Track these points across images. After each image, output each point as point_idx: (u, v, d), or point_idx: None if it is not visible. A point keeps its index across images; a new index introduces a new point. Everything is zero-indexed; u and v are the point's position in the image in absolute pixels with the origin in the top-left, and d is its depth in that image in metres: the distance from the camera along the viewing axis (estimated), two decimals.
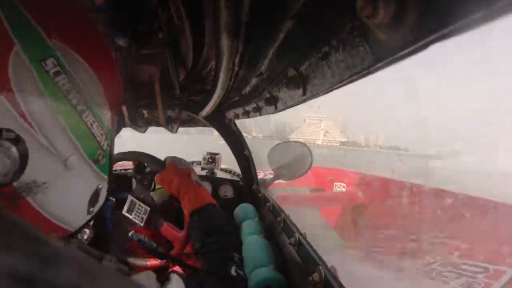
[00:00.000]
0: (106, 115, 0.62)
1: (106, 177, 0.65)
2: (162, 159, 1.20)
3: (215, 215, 0.97)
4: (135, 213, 1.22)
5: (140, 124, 1.45)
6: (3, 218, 0.12)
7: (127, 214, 1.22)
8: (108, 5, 0.58)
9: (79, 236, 0.90)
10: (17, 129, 0.41)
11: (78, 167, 0.54)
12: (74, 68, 0.50)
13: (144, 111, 1.32)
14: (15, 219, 0.12)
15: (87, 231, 0.98)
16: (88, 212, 0.61)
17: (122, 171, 1.77)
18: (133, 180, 1.66)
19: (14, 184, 0.42)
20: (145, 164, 1.36)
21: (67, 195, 0.54)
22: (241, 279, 0.77)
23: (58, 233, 0.55)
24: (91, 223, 0.86)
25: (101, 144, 0.60)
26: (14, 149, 0.41)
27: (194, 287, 0.65)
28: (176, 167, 1.13)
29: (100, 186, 0.63)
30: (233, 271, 0.77)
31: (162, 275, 0.64)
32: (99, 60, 0.58)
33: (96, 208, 0.64)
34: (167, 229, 1.27)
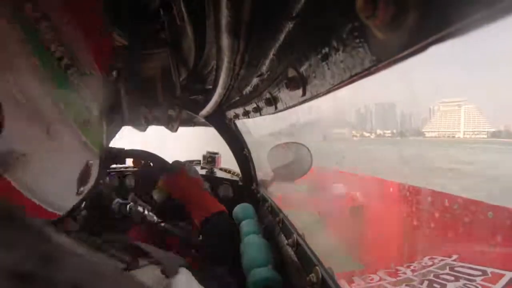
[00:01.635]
0: (94, 79, 0.53)
1: (96, 151, 0.56)
2: (170, 163, 1.20)
3: (227, 223, 1.00)
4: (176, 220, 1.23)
5: (141, 123, 1.45)
6: (5, 214, 0.12)
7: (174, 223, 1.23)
8: (112, 5, 0.58)
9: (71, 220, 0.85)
10: None
11: (64, 136, 0.45)
12: (62, 27, 0.43)
13: (145, 110, 1.32)
14: (17, 215, 0.12)
15: (82, 212, 0.92)
16: (78, 193, 0.52)
17: (122, 169, 1.77)
18: (136, 179, 1.67)
19: None
20: (152, 164, 1.36)
21: (52, 171, 0.44)
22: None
23: (43, 217, 0.45)
24: (83, 203, 0.79)
25: (90, 109, 0.52)
26: None
27: (205, 277, 0.64)
28: (187, 174, 1.13)
29: (90, 162, 0.53)
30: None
31: (167, 269, 0.63)
32: (87, 20, 0.50)
33: (86, 188, 0.55)
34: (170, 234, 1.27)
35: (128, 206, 1.05)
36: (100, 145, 0.57)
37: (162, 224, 1.08)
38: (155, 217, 1.09)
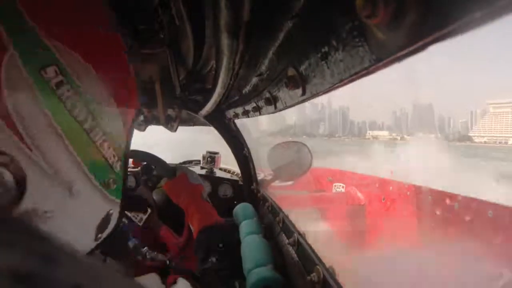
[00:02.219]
0: (119, 131, 0.54)
1: (118, 201, 0.58)
2: (173, 166, 1.21)
3: (222, 235, 1.00)
4: (136, 212, 1.23)
5: (140, 122, 1.46)
6: (4, 216, 0.12)
7: (127, 212, 1.22)
8: (109, 6, 0.58)
9: None
10: (12, 151, 0.35)
11: (86, 194, 0.48)
12: (81, 77, 0.43)
13: (144, 110, 1.32)
14: (16, 217, 0.12)
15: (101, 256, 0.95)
16: (96, 239, 0.55)
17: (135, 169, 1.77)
18: (137, 179, 1.68)
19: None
20: (154, 167, 1.37)
21: (73, 223, 0.47)
22: None
23: None
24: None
25: (113, 166, 0.53)
26: (8, 174, 0.35)
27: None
28: (187, 180, 1.13)
29: (111, 211, 0.56)
30: (236, 286, 0.78)
31: (166, 278, 0.64)
32: (110, 66, 0.51)
33: (104, 235, 0.57)
34: (165, 233, 1.27)
35: (144, 249, 1.06)
36: (121, 194, 0.59)
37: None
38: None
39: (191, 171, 1.21)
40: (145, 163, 1.47)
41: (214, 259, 0.90)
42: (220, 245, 0.94)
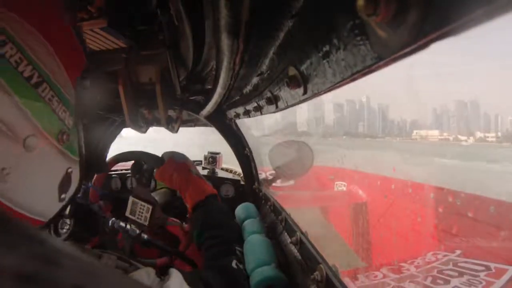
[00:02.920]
0: (67, 87, 0.55)
1: (76, 158, 0.58)
2: (159, 156, 1.21)
3: (215, 209, 0.99)
4: (138, 213, 1.22)
5: (141, 124, 1.46)
6: (4, 218, 0.12)
7: (130, 216, 1.22)
8: (109, 7, 0.58)
9: (59, 226, 0.87)
10: None
11: (40, 148, 0.48)
12: (23, 38, 0.44)
13: (144, 111, 1.32)
14: (15, 219, 0.12)
15: (67, 220, 0.94)
16: (60, 199, 0.55)
17: (123, 171, 1.77)
18: (132, 180, 1.67)
19: None
20: (143, 162, 1.37)
21: (32, 181, 0.48)
22: (242, 272, 0.78)
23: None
24: (68, 211, 0.81)
25: (65, 121, 0.54)
26: None
27: (196, 280, 0.65)
28: (174, 161, 1.14)
29: (70, 170, 0.56)
30: (233, 264, 0.78)
31: (162, 271, 0.64)
32: (53, 30, 0.51)
33: (68, 195, 0.58)
34: (171, 226, 1.28)
35: (110, 222, 1.05)
36: (78, 153, 0.59)
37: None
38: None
39: (177, 153, 1.21)
40: (132, 162, 1.47)
41: (210, 234, 0.90)
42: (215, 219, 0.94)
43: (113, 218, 1.08)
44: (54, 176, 0.54)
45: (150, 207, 1.23)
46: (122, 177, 1.74)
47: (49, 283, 0.11)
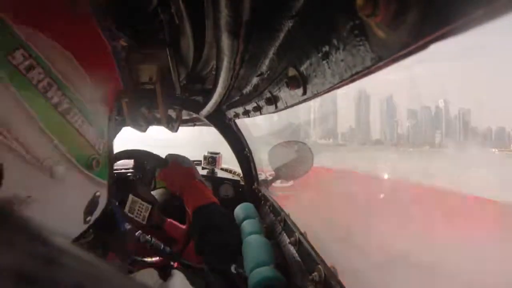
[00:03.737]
0: (100, 113, 0.54)
1: (104, 182, 0.58)
2: (163, 157, 1.21)
3: (217, 214, 0.99)
4: (137, 211, 1.22)
5: (141, 123, 1.46)
6: (6, 217, 0.12)
7: (129, 214, 1.22)
8: (109, 5, 0.57)
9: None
10: None
11: (68, 176, 0.47)
12: (53, 59, 0.42)
13: (144, 111, 1.32)
14: (17, 218, 0.12)
15: (89, 234, 0.95)
16: (85, 222, 0.55)
17: (123, 170, 1.77)
18: (133, 179, 1.67)
19: None
20: (146, 162, 1.37)
21: (58, 207, 0.47)
22: (241, 276, 0.78)
23: None
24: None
25: (95, 147, 0.53)
26: None
27: (198, 283, 0.65)
28: (179, 164, 1.14)
29: (97, 194, 0.56)
30: (232, 269, 0.77)
31: (164, 272, 0.64)
32: (85, 48, 0.50)
33: (93, 217, 0.57)
34: (170, 225, 1.28)
35: (136, 234, 1.06)
36: (108, 176, 0.58)
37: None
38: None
39: (182, 156, 1.21)
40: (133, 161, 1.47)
41: (210, 238, 0.90)
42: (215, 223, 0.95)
43: (140, 231, 1.07)
44: (81, 201, 0.53)
45: (150, 206, 1.23)
46: (125, 176, 1.74)
47: (50, 283, 0.11)
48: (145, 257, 1.09)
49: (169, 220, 1.29)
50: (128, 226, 1.07)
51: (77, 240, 0.56)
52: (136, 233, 1.06)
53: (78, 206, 0.52)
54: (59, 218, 0.48)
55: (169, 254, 1.07)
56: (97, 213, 0.58)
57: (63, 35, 0.44)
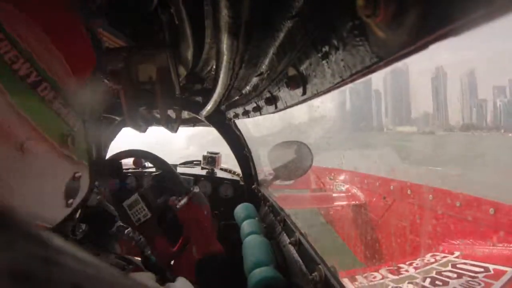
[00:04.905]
0: (73, 86, 0.50)
1: (84, 163, 0.55)
2: (186, 186, 1.20)
3: (220, 266, 1.06)
4: (135, 211, 1.22)
5: (140, 124, 1.46)
6: (3, 217, 0.12)
7: (126, 208, 1.22)
8: (110, 6, 0.57)
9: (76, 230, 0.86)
10: None
11: (40, 152, 0.45)
12: (20, 31, 0.40)
13: (144, 111, 1.32)
14: (15, 218, 0.12)
15: (82, 226, 0.93)
16: (67, 205, 0.52)
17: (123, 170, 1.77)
18: (146, 180, 1.68)
19: None
20: (170, 180, 1.34)
21: (32, 186, 0.44)
22: None
23: None
24: (77, 215, 0.79)
25: (69, 123, 0.50)
26: None
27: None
28: (203, 209, 1.17)
29: (77, 175, 0.53)
30: None
31: (162, 278, 0.64)
32: (54, 21, 0.47)
33: (77, 200, 0.54)
34: (159, 242, 1.25)
35: (126, 231, 1.06)
36: (88, 157, 0.56)
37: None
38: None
39: (199, 192, 1.21)
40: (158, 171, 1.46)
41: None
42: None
43: (129, 229, 1.07)
44: (58, 181, 0.50)
45: (149, 215, 1.22)
46: (139, 177, 1.74)
47: (47, 282, 0.10)
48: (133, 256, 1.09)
49: (159, 236, 1.27)
50: (118, 222, 1.06)
51: (62, 224, 0.53)
52: (126, 230, 1.05)
53: (56, 186, 0.50)
54: (36, 199, 0.45)
55: (151, 262, 1.07)
56: (80, 196, 0.55)
57: (32, 8, 0.42)
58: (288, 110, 0.68)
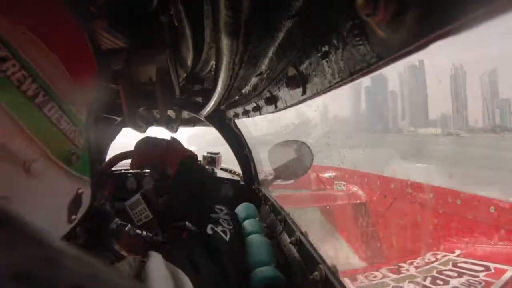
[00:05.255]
0: (78, 104, 0.51)
1: (86, 178, 0.55)
2: None
3: (193, 171, 1.01)
4: (137, 212, 1.22)
5: (140, 124, 1.46)
6: (5, 219, 0.12)
7: (128, 209, 1.22)
8: (110, 7, 0.57)
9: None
10: None
11: (47, 173, 0.45)
12: (29, 52, 0.40)
13: (144, 111, 1.32)
14: (17, 220, 0.12)
15: (81, 235, 0.92)
16: (70, 221, 0.53)
17: (123, 171, 1.77)
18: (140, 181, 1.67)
19: None
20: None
21: (38, 205, 0.44)
22: (217, 236, 0.80)
23: None
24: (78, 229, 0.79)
25: (74, 141, 0.50)
26: None
27: (177, 251, 0.65)
28: (151, 143, 1.13)
29: (80, 191, 0.54)
30: (208, 229, 0.80)
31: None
32: (60, 37, 0.47)
33: (79, 215, 0.55)
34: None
35: (126, 228, 1.05)
36: (90, 172, 0.56)
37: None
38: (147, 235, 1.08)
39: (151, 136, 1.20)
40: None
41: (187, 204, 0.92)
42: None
43: (129, 226, 1.07)
44: (63, 198, 0.51)
45: (151, 216, 1.22)
46: (139, 177, 1.74)
47: (47, 282, 0.11)
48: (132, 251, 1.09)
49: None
50: (118, 221, 1.06)
51: (67, 241, 0.54)
52: (126, 228, 1.05)
53: (60, 204, 0.50)
54: (41, 217, 0.45)
55: (157, 242, 1.07)
56: (82, 211, 0.55)
57: (35, 22, 0.41)
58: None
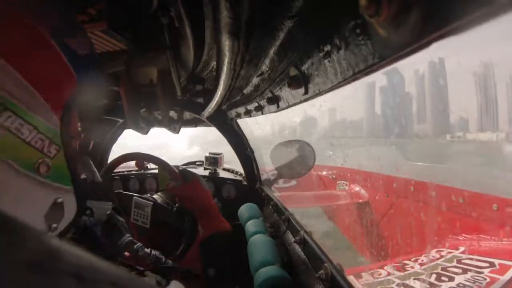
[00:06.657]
0: (45, 115, 0.49)
1: (67, 187, 0.54)
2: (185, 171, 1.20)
3: (227, 242, 1.03)
4: (139, 213, 1.22)
5: (142, 125, 1.46)
6: (6, 219, 0.12)
7: (135, 222, 1.22)
8: (110, 9, 0.57)
9: None
10: None
11: (11, 182, 0.44)
12: None
13: (145, 113, 1.33)
14: (12, 219, 0.12)
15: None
16: (50, 229, 0.52)
17: (125, 172, 1.78)
18: (135, 182, 1.68)
19: None
20: (165, 171, 1.34)
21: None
22: None
23: None
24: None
25: (43, 150, 0.49)
26: None
27: None
28: (200, 184, 1.15)
29: (59, 200, 0.53)
30: None
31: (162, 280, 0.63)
32: (17, 43, 0.45)
33: (62, 224, 0.54)
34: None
35: (135, 246, 1.05)
36: (70, 180, 0.55)
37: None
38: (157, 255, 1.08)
39: (200, 176, 1.21)
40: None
41: (218, 265, 0.95)
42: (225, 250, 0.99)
43: (139, 243, 1.06)
44: (36, 208, 0.50)
45: (150, 203, 1.22)
46: (125, 180, 1.75)
47: (49, 272, 0.11)
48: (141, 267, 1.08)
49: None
50: (128, 238, 1.05)
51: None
52: (135, 246, 1.05)
53: (34, 213, 0.50)
54: None
55: (169, 266, 1.07)
56: (65, 220, 0.55)
57: None
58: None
